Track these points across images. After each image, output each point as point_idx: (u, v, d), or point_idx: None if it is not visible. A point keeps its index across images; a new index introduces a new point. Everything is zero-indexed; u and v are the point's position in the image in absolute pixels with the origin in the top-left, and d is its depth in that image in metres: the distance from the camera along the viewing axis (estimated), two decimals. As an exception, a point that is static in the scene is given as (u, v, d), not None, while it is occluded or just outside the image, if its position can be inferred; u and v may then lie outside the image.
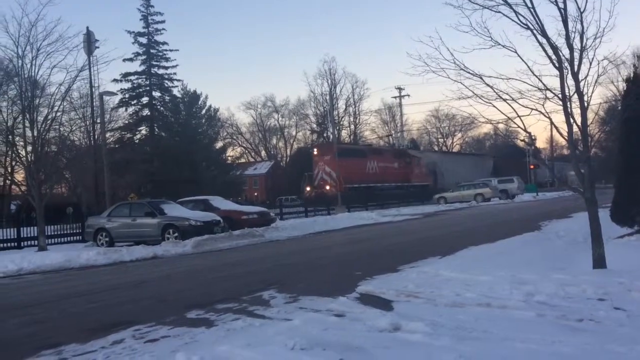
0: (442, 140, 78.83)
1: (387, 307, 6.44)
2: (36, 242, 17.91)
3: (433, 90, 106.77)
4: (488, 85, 8.75)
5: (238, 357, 4.69)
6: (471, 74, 8.75)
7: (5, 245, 18.46)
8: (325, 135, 63.43)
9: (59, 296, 9.07)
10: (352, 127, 68.04)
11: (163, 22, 53.64)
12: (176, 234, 17.18)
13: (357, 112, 67.72)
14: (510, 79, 8.74)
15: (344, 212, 30.26)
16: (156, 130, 51.53)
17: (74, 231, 20.94)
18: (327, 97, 61.36)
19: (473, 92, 8.93)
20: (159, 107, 56.73)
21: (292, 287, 8.19)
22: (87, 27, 28.61)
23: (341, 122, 65.40)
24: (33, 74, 17.74)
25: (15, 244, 18.76)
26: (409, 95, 72.51)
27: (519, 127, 8.96)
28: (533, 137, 11.52)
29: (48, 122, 18.38)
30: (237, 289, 8.42)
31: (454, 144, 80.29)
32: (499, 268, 8.40)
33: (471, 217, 24.35)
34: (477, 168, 55.57)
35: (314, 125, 67.09)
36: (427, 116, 79.84)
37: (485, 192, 39.32)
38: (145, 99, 55.70)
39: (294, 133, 67.20)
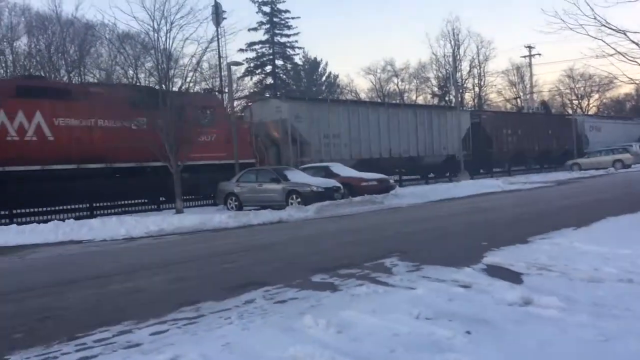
0: (577, 102, 73.26)
1: (517, 280, 6.19)
2: (174, 205, 19.32)
3: (568, 49, 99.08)
4: (633, 42, 8.02)
5: (363, 323, 4.76)
6: (614, 29, 8.07)
7: (146, 207, 20.15)
8: (447, 98, 61.60)
9: (196, 256, 9.75)
10: (477, 89, 65.38)
11: (286, -11, 54.49)
12: (299, 200, 17.72)
13: (482, 74, 64.71)
14: (660, 33, 7.90)
15: (467, 179, 29.39)
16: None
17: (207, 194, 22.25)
18: (450, 59, 59.23)
19: (615, 50, 8.26)
20: (281, 75, 58.24)
21: (414, 256, 8.13)
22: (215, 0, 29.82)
23: (465, 85, 63.06)
24: (168, 46, 18.84)
25: (155, 206, 20.41)
26: (539, 55, 67.68)
27: (669, 87, 8.11)
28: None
29: (182, 92, 19.51)
30: (359, 255, 8.53)
31: (591, 105, 74.32)
32: (642, 241, 7.74)
33: (609, 185, 22.61)
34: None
35: (436, 89, 65.29)
36: (561, 76, 74.32)
37: (625, 158, 36.15)
38: (268, 68, 57.42)
39: (414, 97, 65.83)
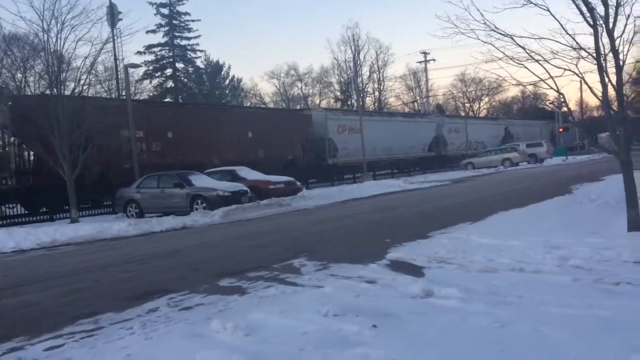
0: (469, 105, 77.50)
1: (419, 274, 6.42)
2: (68, 214, 18.27)
3: (460, 54, 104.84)
4: (519, 45, 8.53)
5: (272, 324, 4.73)
6: (502, 34, 8.54)
7: (37, 217, 18.90)
8: (349, 102, 62.96)
9: (93, 266, 9.25)
10: (377, 94, 67.37)
11: (184, -8, 53.34)
12: (204, 205, 17.35)
13: (382, 79, 66.90)
14: (542, 38, 8.49)
15: (370, 180, 30.17)
16: (181, 101, 51.91)
17: (104, 203, 21.26)
18: (351, 64, 60.70)
19: (504, 54, 8.73)
20: (182, 78, 56.93)
21: (321, 255, 8.21)
22: (110, 0, 28.67)
23: (365, 89, 64.77)
24: (59, 48, 17.81)
25: (48, 216, 19.19)
26: (434, 60, 71.34)
27: (551, 88, 8.76)
28: (562, 100, 11.22)
29: (75, 95, 18.53)
30: (268, 257, 8.48)
31: (481, 108, 78.87)
32: (531, 233, 8.30)
33: (500, 182, 24.06)
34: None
35: (338, 93, 66.59)
36: (454, 81, 78.41)
37: (514, 156, 38.73)
38: (169, 71, 55.95)
39: (317, 102, 66.73)
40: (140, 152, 21.35)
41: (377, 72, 65.93)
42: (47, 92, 19.24)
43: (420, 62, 64.69)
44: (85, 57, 18.59)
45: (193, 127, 23.92)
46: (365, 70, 64.48)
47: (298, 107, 56.25)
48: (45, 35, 17.70)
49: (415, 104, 69.59)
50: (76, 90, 18.71)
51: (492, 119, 60.24)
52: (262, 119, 28.97)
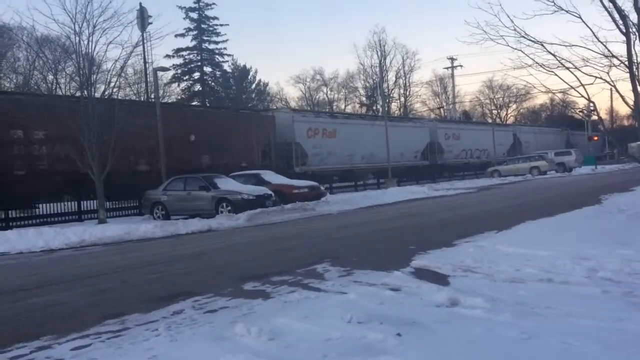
0: (496, 111, 76.67)
1: (444, 282, 6.35)
2: (96, 215, 18.56)
3: (487, 61, 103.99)
4: (550, 52, 8.48)
5: (296, 329, 4.73)
6: (532, 41, 8.49)
7: (66, 218, 19.23)
8: (374, 108, 62.84)
9: (120, 267, 9.38)
10: (402, 99, 67.10)
11: (213, -4, 53.92)
12: (229, 208, 17.48)
13: (408, 84, 66.61)
14: (573, 45, 8.42)
15: (394, 187, 30.03)
16: (208, 105, 52.39)
17: (131, 204, 21.57)
18: (377, 69, 60.57)
19: (534, 60, 8.68)
20: (210, 82, 57.47)
21: (345, 261, 8.19)
22: (140, 3, 29.19)
23: (391, 95, 64.56)
24: (90, 50, 18.13)
25: (76, 216, 19.52)
26: (461, 66, 70.66)
27: (582, 96, 8.66)
28: (592, 108, 11.05)
29: (105, 98, 18.86)
30: (291, 261, 8.49)
31: (509, 115, 77.93)
32: (559, 243, 8.16)
33: (527, 190, 23.73)
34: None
35: (363, 98, 66.52)
36: (481, 87, 77.77)
37: (541, 165, 38.22)
38: (196, 74, 56.53)
39: (342, 106, 66.73)
40: (39, 157, 17.63)
41: (403, 78, 65.76)
42: (78, 93, 19.57)
43: (447, 68, 64.39)
44: (116, 60, 18.89)
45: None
46: (391, 76, 64.37)
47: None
48: (77, 38, 18.03)
49: (442, 109, 69.15)
50: (106, 93, 19.04)
51: (499, 124, 57.05)
52: (209, 120, 25.08)
